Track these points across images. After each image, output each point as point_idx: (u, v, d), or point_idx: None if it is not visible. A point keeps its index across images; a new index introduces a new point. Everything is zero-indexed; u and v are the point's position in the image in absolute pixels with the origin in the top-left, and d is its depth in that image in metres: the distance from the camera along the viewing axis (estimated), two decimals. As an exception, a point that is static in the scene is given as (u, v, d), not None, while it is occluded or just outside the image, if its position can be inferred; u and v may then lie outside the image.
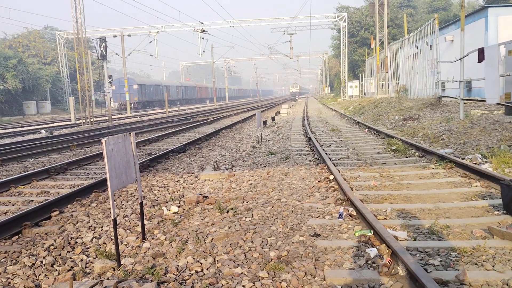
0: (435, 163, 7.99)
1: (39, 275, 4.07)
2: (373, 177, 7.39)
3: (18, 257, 4.54)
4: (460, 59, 12.73)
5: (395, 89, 28.11)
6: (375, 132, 13.81)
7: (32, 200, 7.07)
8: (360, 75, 43.55)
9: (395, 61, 29.17)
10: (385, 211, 5.34)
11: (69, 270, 4.11)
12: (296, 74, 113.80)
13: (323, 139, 13.27)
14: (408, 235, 4.40)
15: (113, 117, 31.52)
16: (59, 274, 4.06)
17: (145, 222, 5.35)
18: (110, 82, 32.99)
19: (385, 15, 28.76)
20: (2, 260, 4.49)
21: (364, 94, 39.90)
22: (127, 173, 4.46)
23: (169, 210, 5.99)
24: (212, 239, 4.69)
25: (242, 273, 3.82)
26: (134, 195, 7.08)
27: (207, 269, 3.95)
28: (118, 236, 4.54)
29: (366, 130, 14.85)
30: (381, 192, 6.31)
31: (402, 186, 6.68)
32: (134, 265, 4.12)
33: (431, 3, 59.98)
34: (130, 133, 4.61)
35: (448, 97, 18.43)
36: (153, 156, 10.92)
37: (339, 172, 7.59)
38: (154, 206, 6.33)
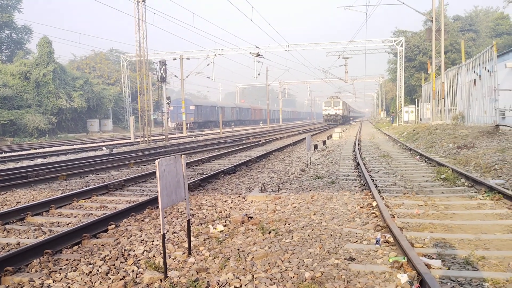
0: (484, 193, 7.86)
1: (95, 282, 4.52)
2: (417, 205, 7.39)
3: (77, 264, 5.05)
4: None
5: (452, 115, 27.38)
6: (426, 159, 13.61)
7: (92, 214, 7.69)
8: (416, 100, 42.68)
9: (452, 87, 28.49)
10: (424, 239, 5.40)
11: (121, 279, 4.54)
12: (352, 98, 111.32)
13: (372, 165, 13.26)
14: (442, 263, 4.46)
15: (169, 136, 32.78)
16: (112, 282, 4.49)
17: (192, 238, 5.72)
18: (168, 103, 34.51)
19: (442, 41, 28.27)
20: (64, 267, 5.01)
21: (420, 119, 39.01)
22: (177, 192, 4.86)
23: (215, 228, 6.34)
24: (253, 257, 4.98)
25: (277, 291, 4.06)
26: (184, 213, 7.51)
27: (245, 285, 4.23)
28: (167, 251, 4.95)
29: (418, 157, 14.64)
30: (423, 221, 6.34)
31: (446, 215, 6.66)
32: (179, 278, 4.48)
33: (494, 27, 57.94)
34: (181, 155, 5.04)
35: (506, 126, 17.79)
36: (204, 176, 11.40)
37: (383, 199, 7.65)
38: (201, 224, 6.72)
